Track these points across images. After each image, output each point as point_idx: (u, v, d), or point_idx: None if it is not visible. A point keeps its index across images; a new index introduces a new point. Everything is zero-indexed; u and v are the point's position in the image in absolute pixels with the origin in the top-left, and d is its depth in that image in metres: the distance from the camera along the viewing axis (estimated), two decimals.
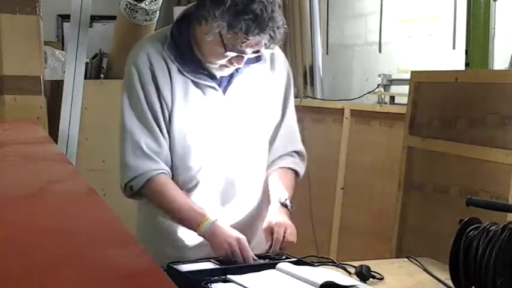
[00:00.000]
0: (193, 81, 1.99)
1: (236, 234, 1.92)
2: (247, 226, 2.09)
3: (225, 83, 2.02)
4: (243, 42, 1.84)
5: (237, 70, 2.00)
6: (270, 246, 1.96)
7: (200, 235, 1.95)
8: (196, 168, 2.02)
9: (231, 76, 2.02)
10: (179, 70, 1.98)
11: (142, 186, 1.97)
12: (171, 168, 2.02)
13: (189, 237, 2.04)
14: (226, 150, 2.03)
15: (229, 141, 2.03)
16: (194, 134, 2.00)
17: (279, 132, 2.14)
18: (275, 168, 2.14)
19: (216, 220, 1.93)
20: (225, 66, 1.94)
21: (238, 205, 2.09)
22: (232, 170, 2.05)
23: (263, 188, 2.14)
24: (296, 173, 2.16)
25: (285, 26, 1.89)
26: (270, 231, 1.97)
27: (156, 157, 1.97)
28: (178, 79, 1.98)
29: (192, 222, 1.95)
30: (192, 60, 1.98)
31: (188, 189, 2.03)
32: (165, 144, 1.99)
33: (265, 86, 2.09)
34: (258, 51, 1.90)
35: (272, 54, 2.08)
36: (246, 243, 1.91)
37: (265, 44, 1.85)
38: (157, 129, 1.97)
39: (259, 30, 1.82)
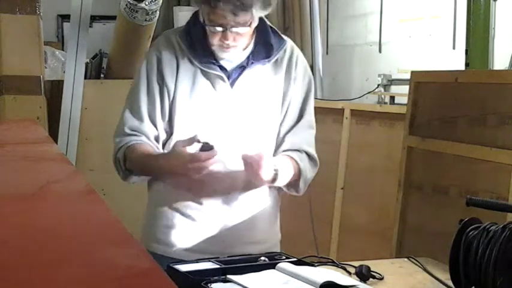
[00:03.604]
0: (202, 71, 2.04)
1: (180, 159, 1.94)
2: (251, 220, 2.11)
3: (235, 76, 2.05)
4: (212, 12, 1.91)
5: (247, 64, 2.05)
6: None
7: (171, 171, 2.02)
8: None
9: (242, 70, 2.05)
10: (189, 59, 2.04)
11: (125, 158, 2.05)
12: None
13: (182, 225, 2.08)
14: (229, 142, 2.04)
15: (233, 133, 2.05)
16: (198, 122, 2.04)
17: (292, 131, 2.13)
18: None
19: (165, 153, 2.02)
20: (221, 46, 1.99)
21: (241, 198, 2.09)
22: (234, 162, 2.04)
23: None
24: (298, 166, 2.11)
25: None
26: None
27: (136, 133, 2.06)
28: (186, 68, 2.05)
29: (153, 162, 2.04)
30: (203, 51, 2.03)
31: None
32: (150, 124, 2.07)
33: (278, 86, 2.10)
34: (243, 24, 1.94)
35: (292, 59, 2.11)
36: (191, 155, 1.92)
37: (234, 13, 1.90)
38: (145, 114, 2.06)
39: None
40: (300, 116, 2.15)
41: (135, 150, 2.05)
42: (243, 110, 2.06)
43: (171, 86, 2.04)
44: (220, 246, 2.06)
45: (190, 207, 2.08)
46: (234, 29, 1.95)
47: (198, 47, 2.04)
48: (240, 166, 2.01)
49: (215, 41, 1.98)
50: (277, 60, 2.09)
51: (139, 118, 2.06)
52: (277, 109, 2.10)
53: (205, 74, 2.04)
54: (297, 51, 2.15)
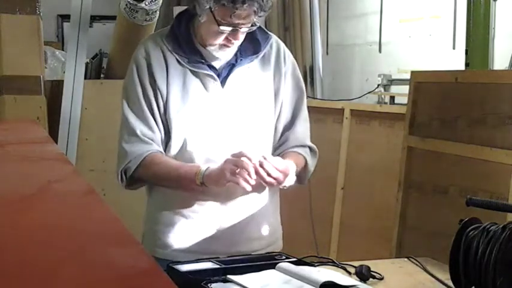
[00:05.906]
0: (191, 71, 2.02)
1: (228, 160, 1.92)
2: (248, 221, 2.10)
3: (225, 74, 2.04)
4: (233, 13, 1.87)
5: (236, 61, 2.03)
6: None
7: (200, 183, 1.97)
8: (194, 155, 2.03)
9: (231, 68, 2.04)
10: (178, 61, 2.02)
11: (137, 167, 2.02)
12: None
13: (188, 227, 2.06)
14: (225, 142, 2.03)
15: (227, 133, 2.04)
16: (191, 124, 2.02)
17: (292, 127, 2.14)
18: (285, 151, 2.13)
19: (208, 167, 1.96)
20: (224, 45, 1.97)
21: (239, 199, 2.08)
22: None
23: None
24: (306, 162, 2.15)
25: None
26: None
27: (150, 141, 2.03)
28: (175, 70, 2.02)
29: (189, 175, 1.98)
30: (191, 51, 2.02)
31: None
32: (158, 131, 2.04)
33: (268, 82, 2.09)
34: (251, 24, 1.92)
35: (280, 54, 2.10)
36: (244, 159, 1.89)
37: (255, 11, 1.88)
38: (151, 118, 2.03)
39: None
40: (296, 111, 2.15)
41: (156, 160, 2.01)
42: (236, 109, 2.05)
43: (164, 88, 2.02)
44: (225, 245, 2.06)
45: (193, 209, 2.07)
46: (244, 28, 1.94)
47: (185, 48, 2.02)
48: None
49: (218, 40, 1.96)
50: (264, 55, 2.08)
51: (148, 124, 2.03)
52: (270, 105, 2.10)
53: (195, 74, 2.03)
54: (283, 46, 2.15)
